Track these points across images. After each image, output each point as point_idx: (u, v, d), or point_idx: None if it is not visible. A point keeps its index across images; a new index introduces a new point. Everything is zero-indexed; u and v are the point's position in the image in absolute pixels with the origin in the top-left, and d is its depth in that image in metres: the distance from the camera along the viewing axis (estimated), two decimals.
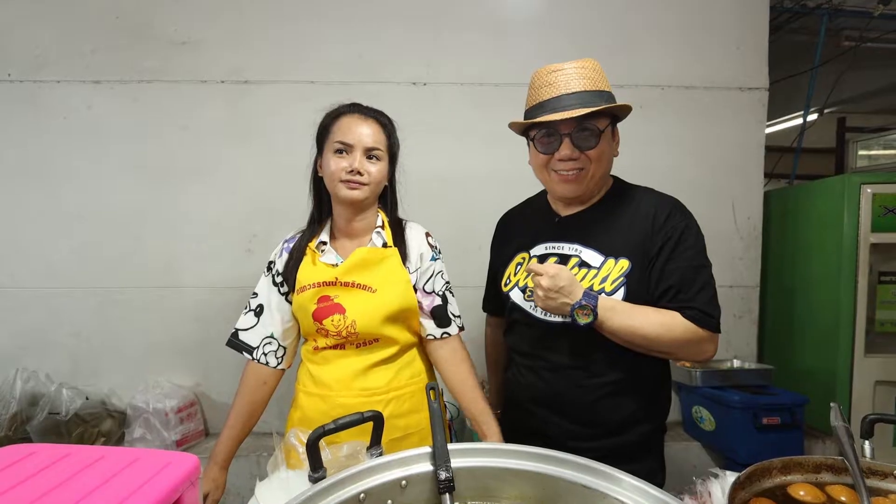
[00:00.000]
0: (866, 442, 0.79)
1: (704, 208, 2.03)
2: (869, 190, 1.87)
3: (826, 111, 3.12)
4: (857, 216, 1.87)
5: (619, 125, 1.08)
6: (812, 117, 2.64)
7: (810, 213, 2.07)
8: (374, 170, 1.12)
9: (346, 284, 1.12)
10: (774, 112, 2.43)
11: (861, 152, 2.73)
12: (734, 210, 2.06)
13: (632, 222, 1.01)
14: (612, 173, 1.13)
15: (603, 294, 0.97)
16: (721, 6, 2.02)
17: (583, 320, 0.92)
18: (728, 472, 0.79)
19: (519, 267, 1.12)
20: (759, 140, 2.06)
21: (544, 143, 1.01)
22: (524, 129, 1.07)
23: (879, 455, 0.78)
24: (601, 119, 0.98)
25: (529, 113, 1.03)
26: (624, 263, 0.98)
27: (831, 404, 0.77)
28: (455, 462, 0.63)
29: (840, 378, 1.90)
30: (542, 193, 1.19)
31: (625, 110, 1.01)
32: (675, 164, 2.02)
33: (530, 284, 1.04)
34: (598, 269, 0.99)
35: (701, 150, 2.04)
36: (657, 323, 0.94)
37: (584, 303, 0.92)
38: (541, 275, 0.94)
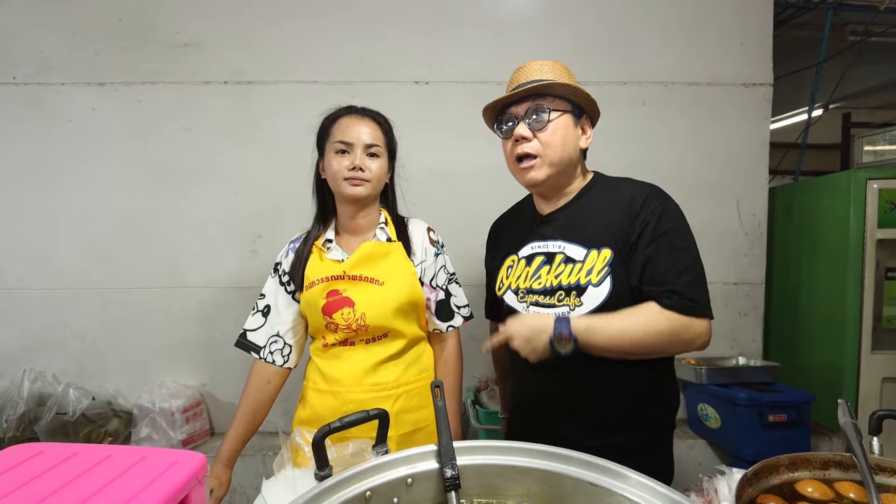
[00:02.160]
0: (874, 438, 0.79)
1: (709, 205, 2.04)
2: (875, 185, 1.85)
3: (831, 107, 3.10)
4: (863, 212, 1.86)
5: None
6: (817, 113, 2.62)
7: (816, 210, 2.05)
8: (375, 166, 1.15)
9: (353, 278, 1.14)
10: (779, 108, 2.41)
11: (867, 148, 2.71)
12: (739, 207, 2.05)
13: (611, 211, 1.01)
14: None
15: (590, 286, 0.96)
16: (724, 1, 2.01)
17: (565, 348, 0.90)
18: (735, 469, 0.79)
19: (510, 270, 1.12)
20: (763, 136, 2.05)
21: (505, 131, 1.06)
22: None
23: (888, 452, 0.77)
24: (557, 103, 1.01)
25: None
26: (607, 253, 0.98)
27: (839, 401, 0.77)
28: (461, 460, 0.63)
29: (847, 375, 1.89)
30: (529, 197, 1.20)
31: (578, 94, 1.02)
32: (678, 161, 2.01)
33: (522, 285, 1.06)
34: (583, 262, 0.99)
35: (705, 146, 2.03)
36: (641, 321, 0.91)
37: (559, 332, 0.89)
38: (511, 337, 0.94)
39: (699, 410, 1.95)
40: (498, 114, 1.08)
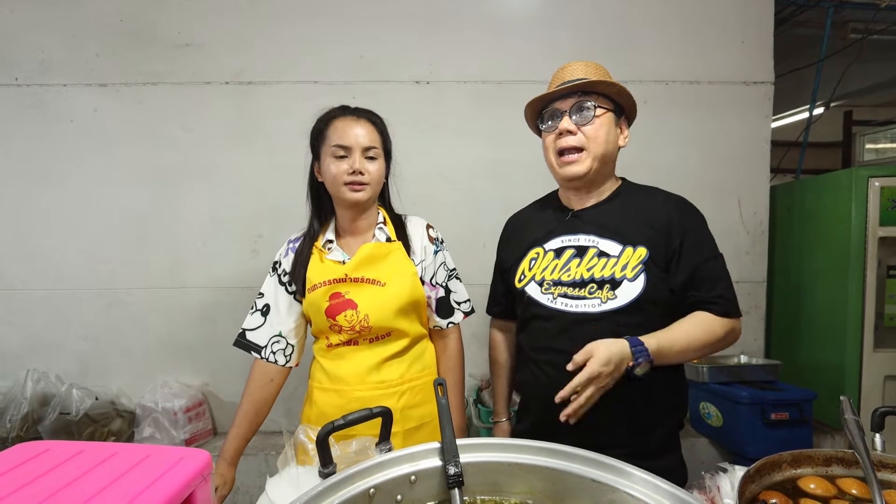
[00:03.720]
0: (877, 435, 0.79)
1: (710, 203, 2.02)
2: (877, 183, 1.85)
3: (832, 105, 3.10)
4: (864, 210, 1.86)
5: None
6: (818, 111, 2.62)
7: (817, 208, 2.05)
8: (374, 168, 1.15)
9: (355, 280, 1.15)
10: (780, 106, 2.41)
11: (868, 146, 2.71)
12: (740, 205, 2.05)
13: (647, 215, 1.05)
14: (618, 171, 1.14)
15: (625, 280, 1.00)
16: (725, 0, 2.01)
17: (643, 370, 0.95)
18: (737, 467, 0.79)
19: (533, 262, 1.12)
20: (764, 134, 2.05)
21: (550, 125, 1.09)
22: (538, 126, 1.14)
23: (890, 448, 0.78)
24: (601, 101, 1.06)
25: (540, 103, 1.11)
26: (642, 251, 1.01)
27: (841, 398, 0.77)
28: (464, 457, 0.63)
29: (849, 373, 1.89)
30: (553, 194, 1.21)
31: (623, 93, 1.06)
32: (680, 159, 2.01)
33: (548, 277, 1.08)
34: (618, 257, 1.02)
35: (706, 145, 2.03)
36: (700, 331, 0.99)
37: (640, 360, 0.93)
38: (595, 359, 0.92)
39: (701, 409, 1.95)
40: (540, 109, 1.11)
